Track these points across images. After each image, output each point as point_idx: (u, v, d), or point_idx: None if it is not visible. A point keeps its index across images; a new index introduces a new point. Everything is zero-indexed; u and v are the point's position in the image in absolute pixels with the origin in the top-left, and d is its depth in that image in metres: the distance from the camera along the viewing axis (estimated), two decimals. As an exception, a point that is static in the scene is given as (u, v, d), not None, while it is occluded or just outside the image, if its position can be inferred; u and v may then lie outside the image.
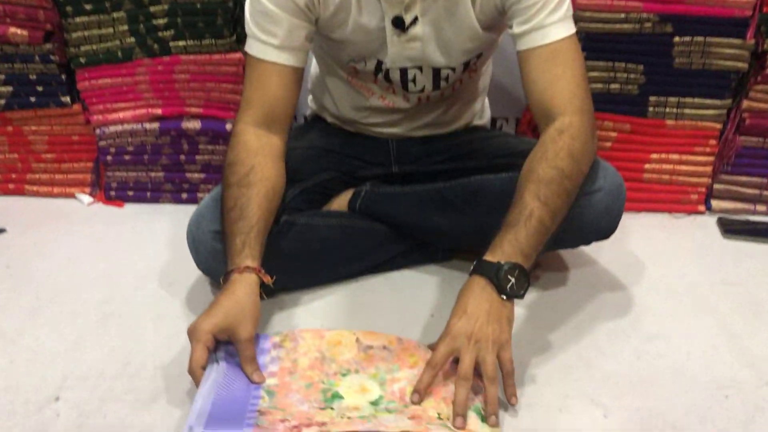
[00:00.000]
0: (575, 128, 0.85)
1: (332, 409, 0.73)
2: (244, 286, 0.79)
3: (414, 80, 1.00)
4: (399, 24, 0.92)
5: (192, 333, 0.76)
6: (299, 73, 0.93)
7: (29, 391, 0.81)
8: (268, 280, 0.82)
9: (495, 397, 0.73)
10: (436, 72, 0.99)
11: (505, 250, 0.79)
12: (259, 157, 0.89)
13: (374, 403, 0.75)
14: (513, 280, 0.77)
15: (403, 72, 0.98)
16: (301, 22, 0.90)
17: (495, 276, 0.77)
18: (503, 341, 0.75)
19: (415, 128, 1.10)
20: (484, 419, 0.72)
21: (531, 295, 1.00)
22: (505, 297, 0.77)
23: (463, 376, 0.73)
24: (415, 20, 0.91)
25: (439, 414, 0.73)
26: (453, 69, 0.99)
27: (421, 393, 0.75)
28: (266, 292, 0.83)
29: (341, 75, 1.05)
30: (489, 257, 0.79)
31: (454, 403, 0.72)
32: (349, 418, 0.70)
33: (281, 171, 0.92)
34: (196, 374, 0.74)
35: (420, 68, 0.98)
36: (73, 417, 0.77)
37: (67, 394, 0.81)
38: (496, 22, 0.96)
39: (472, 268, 0.80)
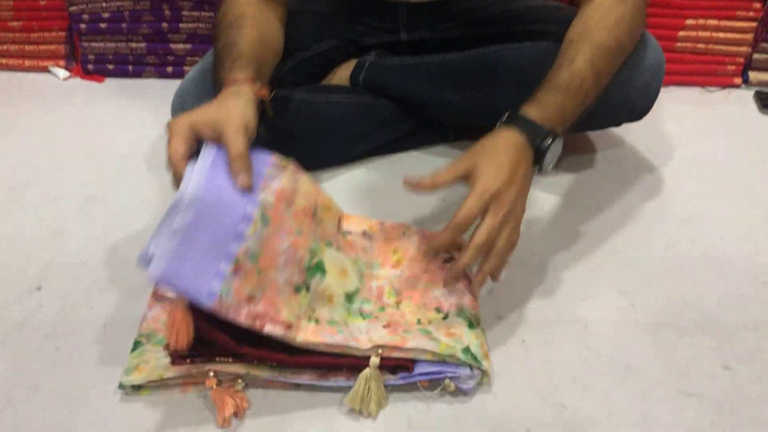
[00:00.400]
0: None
1: (308, 289, 0.63)
2: (234, 95, 0.66)
3: None
4: None
5: (168, 127, 0.62)
6: None
7: (9, 280, 0.75)
8: (264, 94, 0.70)
9: (494, 268, 0.63)
10: None
11: (552, 114, 0.68)
12: (251, 8, 0.78)
13: (349, 298, 0.66)
14: (550, 155, 0.68)
15: None
16: None
17: (540, 142, 0.66)
18: (520, 221, 0.65)
19: None
20: (472, 325, 0.65)
21: (555, 177, 0.93)
22: (537, 169, 0.68)
23: (479, 242, 0.61)
24: None
25: (419, 319, 0.66)
26: None
27: (440, 248, 0.67)
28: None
29: None
30: (533, 114, 0.67)
31: (453, 268, 0.63)
32: (316, 321, 0.62)
33: (278, 30, 0.82)
34: (175, 166, 0.60)
35: None
36: (57, 308, 0.72)
37: (49, 284, 0.75)
38: None
39: (508, 114, 0.69)
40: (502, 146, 0.65)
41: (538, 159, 0.67)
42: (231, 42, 0.74)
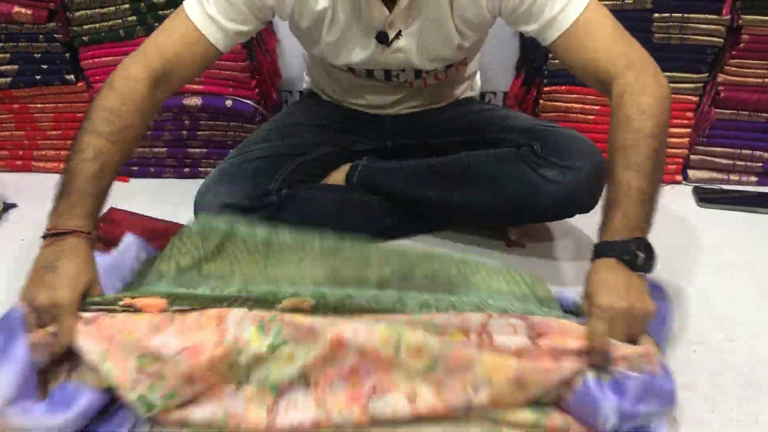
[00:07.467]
0: (633, 85, 0.83)
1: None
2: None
3: (397, 76, 1.07)
4: (383, 39, 0.96)
5: (59, 307, 0.72)
6: (212, 54, 0.92)
7: None
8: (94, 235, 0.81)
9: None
10: (419, 72, 1.06)
11: (618, 228, 0.77)
12: (138, 116, 0.85)
13: None
14: (642, 254, 0.76)
15: (387, 72, 1.05)
16: (252, 17, 0.92)
17: (625, 252, 0.75)
18: (650, 312, 0.74)
19: (403, 108, 1.16)
20: None
21: (513, 263, 1.07)
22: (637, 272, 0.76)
23: (601, 345, 0.71)
24: (398, 34, 0.96)
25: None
26: (437, 69, 1.05)
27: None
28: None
29: (323, 64, 1.10)
30: (606, 238, 0.77)
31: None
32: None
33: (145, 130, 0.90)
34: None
35: (403, 70, 1.05)
36: None
37: None
38: (483, 30, 1.01)
39: (593, 253, 0.78)
40: (599, 274, 0.76)
41: (635, 264, 0.75)
42: (104, 165, 0.80)
